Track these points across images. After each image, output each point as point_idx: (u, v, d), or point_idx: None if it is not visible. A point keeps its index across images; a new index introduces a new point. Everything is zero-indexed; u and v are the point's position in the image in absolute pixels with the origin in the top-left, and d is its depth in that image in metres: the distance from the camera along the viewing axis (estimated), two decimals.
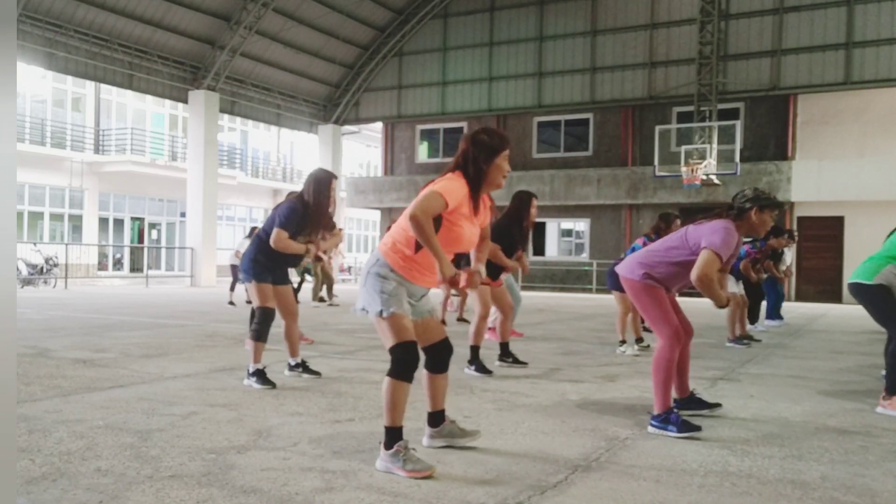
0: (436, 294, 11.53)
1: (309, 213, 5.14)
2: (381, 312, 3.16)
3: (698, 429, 3.87)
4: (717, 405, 4.45)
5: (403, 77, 26.19)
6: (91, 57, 19.84)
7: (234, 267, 13.66)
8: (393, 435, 3.14)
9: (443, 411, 3.52)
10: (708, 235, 3.95)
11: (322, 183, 5.14)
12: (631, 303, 7.37)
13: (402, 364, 3.17)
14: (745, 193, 4.20)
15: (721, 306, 3.99)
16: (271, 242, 5.07)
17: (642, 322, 7.80)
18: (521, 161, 24.13)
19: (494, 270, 6.06)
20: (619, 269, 4.23)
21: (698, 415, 4.32)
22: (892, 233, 5.28)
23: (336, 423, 4.01)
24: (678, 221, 7.43)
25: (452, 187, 3.19)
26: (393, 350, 3.19)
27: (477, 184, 3.27)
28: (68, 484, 2.86)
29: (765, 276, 10.62)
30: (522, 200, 6.25)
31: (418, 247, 3.18)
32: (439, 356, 3.41)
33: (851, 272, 4.86)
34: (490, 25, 24.76)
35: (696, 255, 3.96)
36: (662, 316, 4.04)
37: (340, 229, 5.71)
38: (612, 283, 7.51)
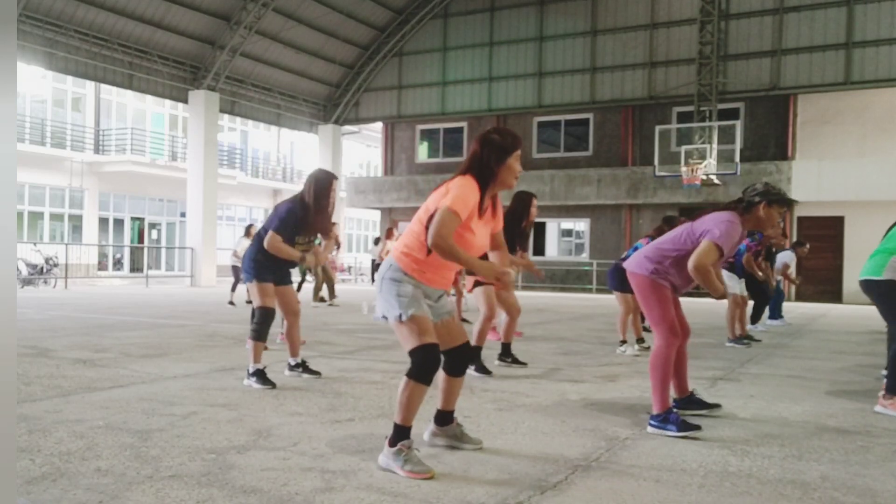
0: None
1: (308, 215, 5.10)
2: (399, 316, 3.12)
3: (698, 428, 3.86)
4: (717, 406, 4.45)
5: (403, 77, 26.18)
6: (91, 57, 19.83)
7: (234, 268, 13.68)
8: (400, 433, 3.13)
9: (452, 412, 3.52)
10: (710, 226, 3.92)
11: (322, 184, 5.09)
12: (633, 303, 7.42)
13: (422, 367, 3.12)
14: (756, 187, 4.14)
15: (719, 297, 3.94)
16: (265, 245, 5.05)
17: (643, 321, 7.79)
18: (521, 161, 24.10)
19: None
20: (628, 264, 4.17)
21: (697, 415, 4.32)
22: (891, 227, 5.27)
23: (336, 423, 4.01)
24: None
25: (464, 197, 3.11)
26: (413, 353, 3.13)
27: (486, 185, 3.22)
28: (68, 484, 2.86)
29: (776, 280, 10.63)
30: (523, 201, 6.27)
31: (430, 251, 3.13)
32: (459, 360, 3.38)
33: (858, 271, 4.85)
34: (490, 25, 24.75)
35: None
36: (662, 315, 4.02)
37: (335, 224, 5.65)
38: (613, 283, 7.51)
